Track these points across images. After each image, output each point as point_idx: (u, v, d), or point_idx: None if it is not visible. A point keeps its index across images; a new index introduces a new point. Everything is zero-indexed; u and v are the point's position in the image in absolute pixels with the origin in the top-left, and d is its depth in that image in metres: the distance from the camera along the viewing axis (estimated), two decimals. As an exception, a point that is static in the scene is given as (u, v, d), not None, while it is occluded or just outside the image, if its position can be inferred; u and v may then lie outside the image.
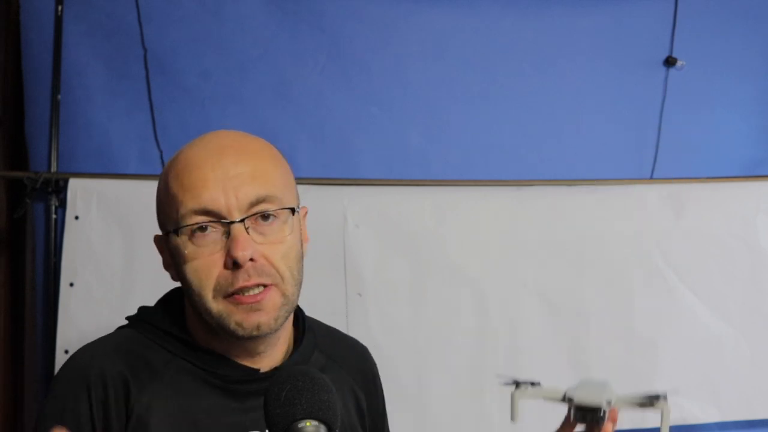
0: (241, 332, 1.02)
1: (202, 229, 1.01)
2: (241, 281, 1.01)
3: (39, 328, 2.10)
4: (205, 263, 1.02)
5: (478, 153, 2.28)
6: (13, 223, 2.15)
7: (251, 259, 1.01)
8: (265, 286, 1.02)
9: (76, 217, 2.03)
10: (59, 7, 2.10)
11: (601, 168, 2.31)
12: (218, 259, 1.01)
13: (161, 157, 2.14)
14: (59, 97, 2.09)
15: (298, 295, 1.08)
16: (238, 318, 1.02)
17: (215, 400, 1.05)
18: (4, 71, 2.16)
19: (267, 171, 1.06)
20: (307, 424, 0.81)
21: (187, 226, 1.02)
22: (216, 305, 1.02)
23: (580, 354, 2.19)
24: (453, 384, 2.14)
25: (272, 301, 1.03)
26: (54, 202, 2.05)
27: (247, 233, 1.01)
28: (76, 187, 2.03)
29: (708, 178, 2.32)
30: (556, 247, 2.19)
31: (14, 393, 2.21)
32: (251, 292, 1.02)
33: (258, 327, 1.02)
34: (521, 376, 1.15)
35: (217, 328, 1.04)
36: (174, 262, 1.06)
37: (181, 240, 1.02)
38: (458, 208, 2.18)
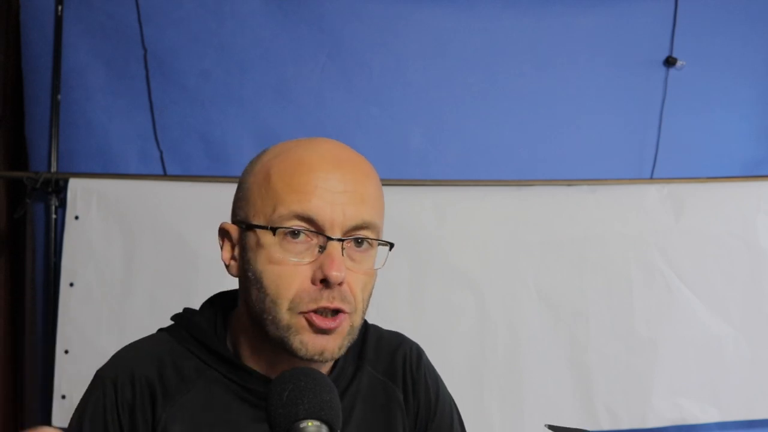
0: (302, 353, 0.97)
1: (295, 234, 0.96)
2: (325, 301, 0.95)
3: (39, 328, 2.10)
4: (290, 272, 0.96)
5: (478, 153, 2.28)
6: (13, 223, 2.15)
7: (339, 283, 0.95)
8: (341, 312, 0.97)
9: (76, 217, 2.03)
10: (59, 7, 2.10)
11: (601, 168, 2.31)
12: (303, 271, 0.96)
13: (161, 157, 2.14)
14: (59, 97, 2.09)
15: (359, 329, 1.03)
16: (305, 338, 0.96)
17: (245, 414, 1.01)
18: (4, 71, 2.16)
19: (377, 198, 1.01)
20: (309, 424, 0.80)
21: (285, 228, 0.95)
22: (288, 318, 0.96)
23: (580, 354, 2.19)
24: (452, 384, 2.13)
25: (342, 329, 0.98)
26: (54, 202, 2.05)
27: (342, 254, 0.96)
28: (76, 187, 2.03)
29: (708, 178, 2.32)
30: (556, 247, 2.19)
31: (14, 393, 2.21)
32: (327, 315, 0.97)
33: (322, 352, 0.97)
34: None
35: (277, 340, 0.98)
36: (247, 258, 0.99)
37: (271, 240, 0.96)
38: (458, 208, 2.18)
